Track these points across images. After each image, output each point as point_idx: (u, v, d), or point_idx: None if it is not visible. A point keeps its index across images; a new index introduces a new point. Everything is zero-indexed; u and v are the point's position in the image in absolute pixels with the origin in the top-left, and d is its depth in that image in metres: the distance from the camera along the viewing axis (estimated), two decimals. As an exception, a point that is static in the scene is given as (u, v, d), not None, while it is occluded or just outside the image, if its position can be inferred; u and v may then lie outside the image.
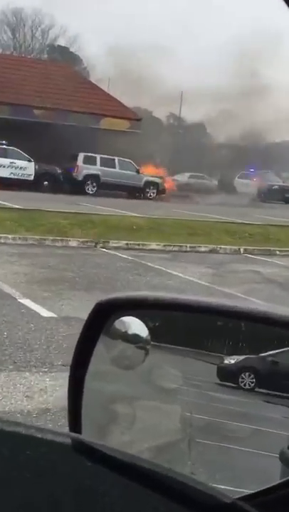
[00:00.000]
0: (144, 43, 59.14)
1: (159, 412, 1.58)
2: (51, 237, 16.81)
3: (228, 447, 1.49)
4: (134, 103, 48.52)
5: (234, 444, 1.49)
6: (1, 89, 38.90)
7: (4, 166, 34.48)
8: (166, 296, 1.44)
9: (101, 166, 37.43)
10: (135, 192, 37.93)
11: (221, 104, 48.49)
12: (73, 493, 0.83)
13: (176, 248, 17.69)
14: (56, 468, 0.84)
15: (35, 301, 10.16)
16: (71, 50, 65.53)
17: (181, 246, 17.89)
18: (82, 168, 36.91)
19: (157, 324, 1.45)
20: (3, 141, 34.65)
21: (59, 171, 36.20)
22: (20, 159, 35.07)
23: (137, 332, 1.40)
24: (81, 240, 16.99)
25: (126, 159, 38.50)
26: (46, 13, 64.79)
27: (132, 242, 17.42)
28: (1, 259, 13.60)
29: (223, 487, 1.28)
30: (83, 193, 35.23)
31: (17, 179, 34.61)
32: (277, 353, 1.43)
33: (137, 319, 1.40)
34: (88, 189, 36.70)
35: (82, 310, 9.86)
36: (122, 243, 17.21)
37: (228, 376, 1.48)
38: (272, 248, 18.81)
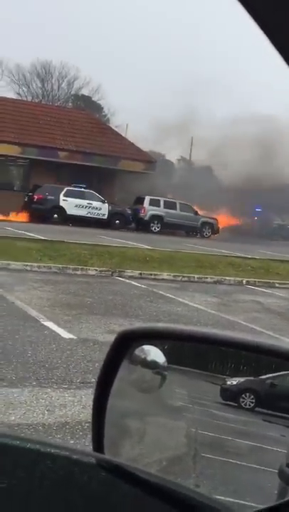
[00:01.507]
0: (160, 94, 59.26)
1: (168, 427, 1.58)
2: (72, 266, 16.82)
3: (231, 462, 1.47)
4: (149, 147, 48.75)
5: (236, 459, 1.48)
6: (31, 133, 39.40)
7: (83, 207, 35.19)
8: (178, 328, 1.45)
9: (164, 207, 38.04)
10: (193, 231, 38.69)
11: (229, 151, 48.60)
12: (91, 501, 0.83)
13: (185, 278, 17.64)
14: (78, 480, 0.84)
15: (57, 323, 10.15)
16: (93, 99, 66.08)
17: (189, 277, 17.85)
18: (148, 210, 37.63)
19: (169, 348, 1.45)
20: (83, 185, 35.57)
21: (129, 212, 36.87)
22: (95, 200, 35.69)
23: (155, 359, 1.40)
24: (99, 269, 16.99)
25: (186, 202, 39.26)
26: (72, 66, 65.46)
27: (145, 272, 17.41)
28: (27, 286, 13.63)
29: (225, 499, 1.27)
30: (149, 231, 36.14)
31: (93, 218, 35.30)
32: (275, 376, 1.43)
33: (155, 347, 1.41)
34: (153, 228, 37.39)
35: (99, 333, 9.86)
36: (136, 273, 17.20)
37: (230, 396, 1.47)
38: (271, 281, 18.74)
